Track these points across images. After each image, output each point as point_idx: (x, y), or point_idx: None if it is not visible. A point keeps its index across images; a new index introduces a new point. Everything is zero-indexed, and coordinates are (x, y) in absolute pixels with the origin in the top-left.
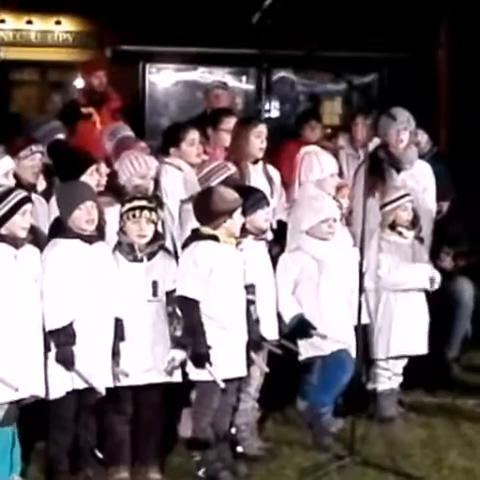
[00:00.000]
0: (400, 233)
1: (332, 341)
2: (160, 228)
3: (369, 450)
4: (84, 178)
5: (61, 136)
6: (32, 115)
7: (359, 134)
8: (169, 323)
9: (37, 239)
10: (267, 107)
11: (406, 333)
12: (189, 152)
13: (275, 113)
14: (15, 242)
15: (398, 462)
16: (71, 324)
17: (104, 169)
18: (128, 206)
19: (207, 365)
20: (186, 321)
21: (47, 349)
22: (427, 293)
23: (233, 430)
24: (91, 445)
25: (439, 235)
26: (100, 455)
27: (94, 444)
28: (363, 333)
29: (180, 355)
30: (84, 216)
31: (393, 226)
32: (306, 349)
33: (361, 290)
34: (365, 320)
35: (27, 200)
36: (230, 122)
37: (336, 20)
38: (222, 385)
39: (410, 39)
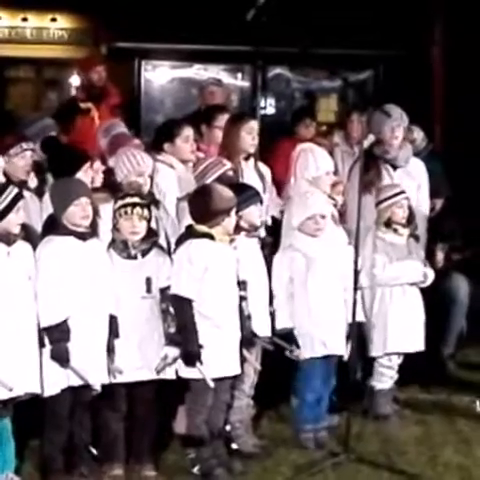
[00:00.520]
0: (395, 230)
1: (318, 344)
2: (154, 225)
3: (364, 447)
4: (79, 175)
5: (54, 133)
6: (27, 112)
7: (354, 131)
8: (163, 320)
9: (29, 236)
10: (262, 104)
11: (402, 330)
12: (183, 148)
13: (271, 110)
14: (8, 239)
15: (393, 459)
16: (66, 321)
17: (98, 166)
18: (120, 203)
19: (198, 364)
20: (179, 319)
21: (42, 346)
22: (422, 290)
23: (228, 427)
24: (85, 442)
25: (434, 232)
26: (95, 452)
27: (88, 441)
28: (359, 330)
29: (173, 352)
30: (79, 212)
31: (388, 223)
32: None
33: (356, 288)
34: (360, 318)
35: (20, 196)
36: (224, 119)
37: (331, 17)
38: (212, 384)
39: (405, 36)
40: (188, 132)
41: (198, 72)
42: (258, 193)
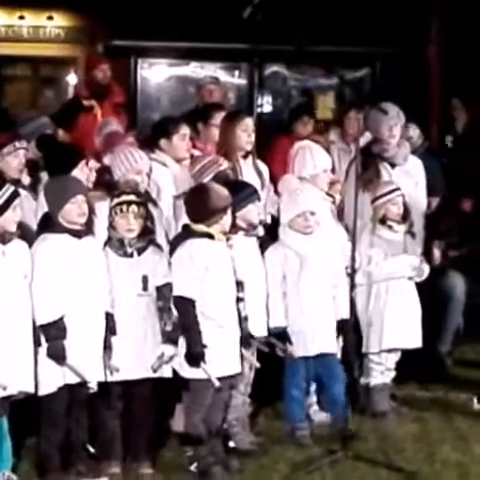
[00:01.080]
0: (390, 227)
1: (310, 343)
2: (150, 223)
3: (362, 445)
4: (74, 173)
5: (49, 131)
6: (24, 110)
7: (351, 129)
8: (159, 318)
9: (24, 234)
10: (259, 102)
11: (399, 326)
12: (180, 146)
13: (267, 108)
14: (3, 238)
15: (391, 456)
16: (62, 318)
17: (93, 164)
18: (116, 201)
19: (202, 364)
20: (182, 320)
21: (37, 344)
22: (419, 287)
23: (224, 425)
24: (82, 440)
25: (430, 229)
26: (92, 450)
27: (85, 439)
28: (355, 327)
29: (170, 350)
30: (75, 210)
31: (383, 220)
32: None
33: (353, 285)
34: (346, 315)
35: (16, 194)
36: (221, 117)
37: (327, 15)
38: (217, 384)
39: (402, 34)
40: (185, 130)
41: (195, 70)
42: (256, 191)
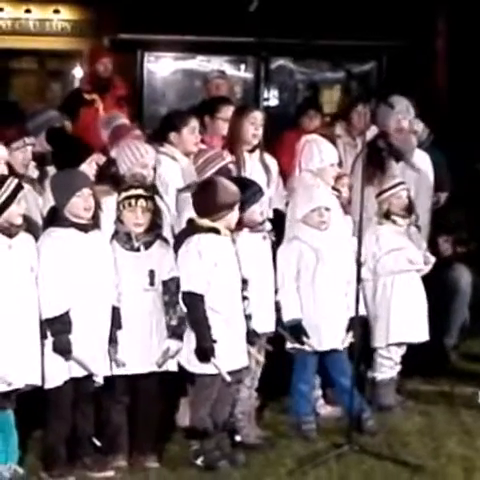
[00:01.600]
0: (394, 222)
1: (324, 337)
2: (157, 217)
3: (367, 438)
4: (83, 167)
5: (58, 125)
6: (30, 104)
7: (357, 122)
8: (165, 312)
9: (30, 228)
10: (266, 95)
11: (405, 320)
12: (189, 139)
13: (274, 102)
14: (9, 231)
15: (396, 450)
16: (67, 312)
17: (99, 158)
18: (124, 195)
19: (213, 359)
20: (191, 316)
21: (44, 337)
22: (425, 281)
23: (231, 419)
24: (89, 433)
25: (438, 223)
26: (98, 443)
27: (92, 432)
28: (361, 322)
29: (176, 345)
30: (81, 203)
31: (388, 215)
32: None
33: (359, 279)
34: (362, 311)
35: (20, 187)
36: (227, 110)
37: (334, 8)
38: (228, 379)
39: (408, 27)
40: (195, 123)
41: (201, 64)
42: (260, 189)
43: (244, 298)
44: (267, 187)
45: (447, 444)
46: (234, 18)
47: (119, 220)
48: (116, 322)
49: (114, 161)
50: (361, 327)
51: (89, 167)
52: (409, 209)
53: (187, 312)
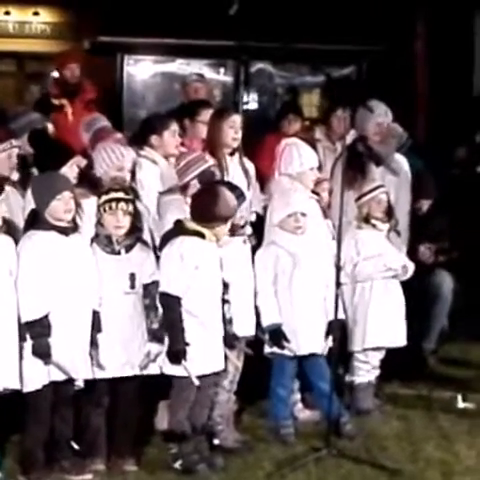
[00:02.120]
0: (374, 226)
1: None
2: (137, 220)
3: (345, 442)
4: (64, 170)
5: (40, 127)
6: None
7: (337, 127)
8: (146, 316)
9: (11, 231)
10: (245, 99)
11: (382, 325)
12: (171, 142)
13: (253, 105)
14: None
15: (374, 454)
16: (47, 316)
17: (80, 161)
18: (105, 198)
19: (183, 362)
20: (166, 317)
21: (22, 340)
22: (405, 286)
23: (209, 422)
24: (67, 437)
25: (421, 230)
26: (76, 447)
27: (70, 436)
28: (340, 326)
29: (156, 348)
30: (62, 206)
31: (367, 219)
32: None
33: (338, 283)
34: (340, 315)
35: (0, 190)
36: (207, 114)
37: (313, 12)
38: (197, 382)
39: (387, 31)
40: (175, 126)
41: (180, 67)
42: (242, 193)
43: (225, 302)
44: (247, 190)
45: (425, 448)
46: (214, 21)
47: (99, 223)
48: (96, 325)
49: (90, 164)
50: (339, 331)
51: (70, 170)
52: (389, 213)
53: (163, 313)
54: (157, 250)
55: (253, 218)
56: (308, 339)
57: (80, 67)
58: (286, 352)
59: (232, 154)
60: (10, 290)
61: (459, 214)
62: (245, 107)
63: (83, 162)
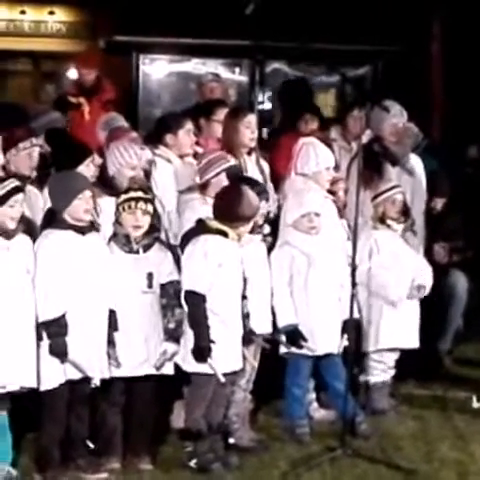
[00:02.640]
0: (389, 226)
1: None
2: (156, 220)
3: (360, 442)
4: (80, 168)
5: (60, 126)
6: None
7: (353, 127)
8: (163, 315)
9: (31, 231)
10: (260, 99)
11: (396, 326)
12: (186, 141)
13: (268, 105)
14: (7, 233)
15: (389, 454)
16: (64, 315)
17: (97, 160)
18: (124, 197)
19: (209, 360)
20: (191, 315)
21: (39, 339)
22: None
23: (225, 421)
24: (83, 435)
25: (435, 229)
26: (92, 445)
27: (86, 434)
28: (356, 325)
29: (172, 348)
30: (83, 206)
31: (383, 219)
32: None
33: (354, 284)
34: (355, 315)
35: (17, 190)
36: (222, 113)
37: (329, 12)
38: (223, 379)
39: (404, 31)
40: (190, 125)
41: (196, 66)
42: (266, 190)
43: (244, 297)
44: None
45: (440, 448)
46: (230, 21)
47: (118, 222)
48: (113, 324)
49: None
50: (355, 330)
51: (87, 169)
52: (405, 213)
53: (188, 311)
54: (173, 248)
55: (272, 215)
56: (324, 339)
57: (98, 67)
58: (304, 351)
59: (249, 153)
60: (28, 289)
61: (473, 213)
62: (260, 107)
63: (99, 161)
